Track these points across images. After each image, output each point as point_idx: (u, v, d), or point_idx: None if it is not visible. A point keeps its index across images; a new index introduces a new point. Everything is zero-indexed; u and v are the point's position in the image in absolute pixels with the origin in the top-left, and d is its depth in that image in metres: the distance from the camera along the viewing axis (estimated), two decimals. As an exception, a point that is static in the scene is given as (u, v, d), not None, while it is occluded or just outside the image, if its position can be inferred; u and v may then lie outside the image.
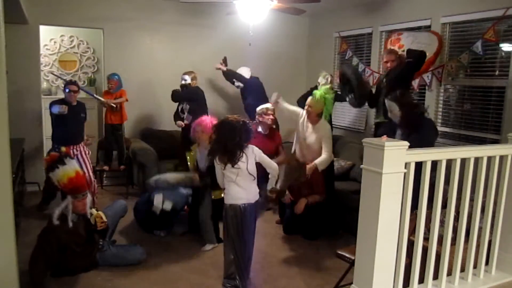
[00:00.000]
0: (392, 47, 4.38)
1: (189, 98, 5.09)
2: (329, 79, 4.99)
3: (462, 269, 2.69)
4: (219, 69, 5.53)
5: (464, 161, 2.51)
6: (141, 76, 5.77)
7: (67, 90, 4.34)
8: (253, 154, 2.98)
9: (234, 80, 5.57)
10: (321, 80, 5.02)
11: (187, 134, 4.84)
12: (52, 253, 2.98)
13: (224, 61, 5.55)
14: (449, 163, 2.45)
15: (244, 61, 5.78)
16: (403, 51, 4.16)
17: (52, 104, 4.36)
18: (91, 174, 4.46)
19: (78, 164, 4.32)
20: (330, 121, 4.49)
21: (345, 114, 5.96)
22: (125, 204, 3.79)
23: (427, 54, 3.92)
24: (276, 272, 3.34)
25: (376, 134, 3.95)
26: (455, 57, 4.28)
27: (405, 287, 2.44)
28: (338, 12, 6.01)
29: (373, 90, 4.44)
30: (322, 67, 5.48)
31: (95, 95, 5.33)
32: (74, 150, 4.36)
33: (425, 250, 2.46)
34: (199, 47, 6.00)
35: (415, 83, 4.56)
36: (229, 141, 2.87)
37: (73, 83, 4.51)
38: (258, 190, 3.07)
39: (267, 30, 5.63)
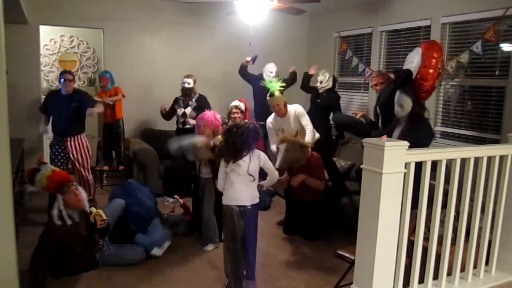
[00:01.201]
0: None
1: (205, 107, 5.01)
2: (327, 76, 5.00)
3: (462, 269, 2.69)
4: (248, 62, 5.43)
5: (464, 161, 2.51)
6: (141, 76, 5.77)
7: (62, 80, 4.28)
8: (258, 158, 3.01)
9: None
10: (320, 77, 5.04)
11: (182, 134, 4.83)
12: (53, 253, 2.98)
13: (253, 59, 5.41)
14: (449, 163, 2.45)
15: (246, 58, 5.77)
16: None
17: (42, 108, 4.41)
18: (87, 173, 4.43)
19: (74, 158, 4.33)
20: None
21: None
22: (124, 203, 3.77)
23: (414, 72, 3.82)
24: (276, 272, 3.34)
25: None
26: (455, 57, 4.28)
27: (405, 287, 2.44)
28: (338, 12, 6.01)
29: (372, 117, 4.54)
30: (322, 67, 5.48)
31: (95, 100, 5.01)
32: (73, 143, 4.33)
33: (425, 250, 2.46)
34: (199, 47, 6.00)
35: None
36: (237, 139, 2.91)
37: (68, 72, 4.42)
38: (257, 193, 3.06)
39: (267, 30, 5.63)
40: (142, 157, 5.10)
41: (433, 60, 3.52)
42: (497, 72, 3.99)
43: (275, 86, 4.18)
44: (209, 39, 6.02)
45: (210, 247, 3.73)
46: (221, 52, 6.08)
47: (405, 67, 3.62)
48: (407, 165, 2.24)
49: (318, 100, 5.00)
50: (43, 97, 5.50)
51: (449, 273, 2.63)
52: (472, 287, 2.70)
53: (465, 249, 2.65)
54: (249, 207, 2.97)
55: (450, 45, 4.41)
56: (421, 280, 2.49)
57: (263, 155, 3.06)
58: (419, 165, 2.34)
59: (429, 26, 4.54)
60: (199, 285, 3.11)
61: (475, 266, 2.75)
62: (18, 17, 4.46)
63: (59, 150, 4.34)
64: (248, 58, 5.36)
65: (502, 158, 2.71)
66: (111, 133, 5.30)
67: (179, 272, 3.29)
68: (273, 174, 3.17)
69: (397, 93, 3.37)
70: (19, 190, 4.21)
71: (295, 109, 4.22)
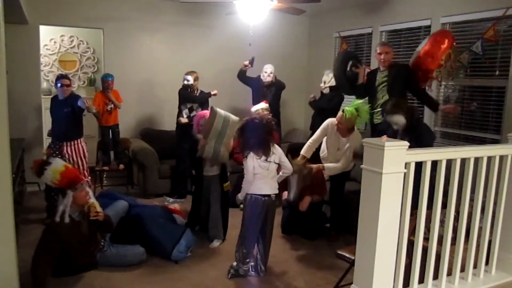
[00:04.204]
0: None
1: (203, 102, 5.08)
2: (330, 76, 4.98)
3: (462, 269, 2.69)
4: (247, 66, 5.32)
5: (464, 161, 2.51)
6: (141, 76, 5.77)
7: (59, 85, 4.20)
8: (277, 151, 3.22)
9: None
10: (324, 78, 5.01)
11: (183, 133, 4.85)
12: (54, 251, 2.98)
13: (251, 62, 5.30)
14: (449, 163, 2.45)
15: (244, 61, 5.77)
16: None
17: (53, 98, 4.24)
18: (83, 176, 4.39)
19: (71, 163, 4.31)
20: (355, 88, 4.33)
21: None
22: (127, 204, 3.77)
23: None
24: (276, 272, 3.33)
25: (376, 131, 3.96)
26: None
27: (405, 287, 2.44)
28: (338, 12, 6.01)
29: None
30: (322, 67, 5.47)
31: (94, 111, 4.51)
32: (69, 149, 4.29)
33: (425, 250, 2.47)
34: (199, 47, 6.01)
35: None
36: (266, 137, 3.12)
37: (65, 76, 4.34)
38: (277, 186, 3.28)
39: (267, 30, 5.63)
40: (142, 157, 5.10)
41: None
42: (497, 72, 3.99)
43: (352, 105, 3.77)
44: (209, 39, 6.03)
45: (216, 243, 3.78)
46: (221, 52, 6.08)
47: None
48: (407, 165, 2.25)
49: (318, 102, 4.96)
50: (43, 97, 5.53)
51: (449, 273, 2.63)
52: (472, 287, 2.70)
53: (465, 249, 2.65)
54: (273, 197, 3.23)
55: (450, 45, 4.41)
56: (421, 280, 2.49)
57: (279, 149, 3.27)
58: (419, 165, 2.34)
59: (429, 26, 4.54)
60: (200, 284, 3.11)
61: (475, 266, 2.75)
62: (18, 17, 4.46)
63: (56, 153, 4.33)
64: (246, 62, 5.28)
65: (502, 158, 2.71)
66: (112, 134, 5.30)
67: (180, 272, 3.29)
68: (288, 168, 3.33)
69: (388, 118, 3.47)
70: (19, 190, 4.21)
71: (353, 140, 3.87)
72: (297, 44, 6.67)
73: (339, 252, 3.62)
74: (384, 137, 2.41)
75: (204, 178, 3.87)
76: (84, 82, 6.77)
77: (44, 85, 6.43)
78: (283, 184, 3.82)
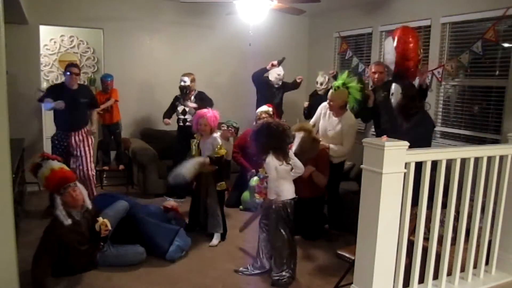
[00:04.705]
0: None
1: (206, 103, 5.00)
2: (326, 78, 4.99)
3: (462, 269, 2.70)
4: (274, 66, 5.25)
5: (464, 161, 2.51)
6: (141, 76, 5.77)
7: (68, 73, 4.20)
8: (290, 153, 3.23)
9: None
10: (319, 79, 5.03)
11: (184, 133, 4.84)
12: (54, 251, 2.99)
13: (279, 63, 5.25)
14: (449, 163, 2.45)
15: (244, 61, 5.78)
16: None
17: (44, 98, 4.20)
18: (90, 167, 4.40)
19: (77, 155, 4.31)
20: (361, 110, 4.14)
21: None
22: (127, 204, 3.76)
23: (391, 60, 3.91)
24: (276, 272, 3.33)
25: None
26: (455, 57, 4.28)
27: (405, 287, 2.44)
28: (338, 12, 6.01)
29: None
30: (322, 67, 5.48)
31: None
32: (77, 138, 4.31)
33: (425, 250, 2.47)
34: (199, 47, 6.01)
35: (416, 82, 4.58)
36: (281, 143, 3.12)
37: (75, 65, 4.34)
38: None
39: (267, 30, 5.63)
40: (142, 157, 5.10)
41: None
42: (497, 72, 3.99)
43: (340, 80, 3.80)
44: (209, 39, 6.03)
45: (215, 241, 3.79)
46: (221, 52, 6.08)
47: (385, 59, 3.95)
48: (407, 165, 2.25)
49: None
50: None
51: (449, 273, 2.63)
52: (472, 287, 2.70)
53: (465, 249, 2.65)
54: (296, 198, 3.25)
55: (450, 45, 4.41)
56: (421, 280, 2.50)
57: (291, 152, 3.28)
58: (419, 165, 2.34)
59: (429, 26, 4.54)
60: (200, 284, 3.11)
61: (475, 266, 2.75)
62: (18, 17, 4.46)
63: (63, 146, 4.32)
64: (275, 62, 5.22)
65: (502, 158, 2.71)
66: (111, 134, 5.31)
67: (180, 272, 3.29)
68: (300, 167, 3.29)
69: (394, 85, 3.57)
70: (19, 190, 4.21)
71: (346, 121, 3.87)
72: (297, 44, 6.67)
73: (339, 252, 3.60)
74: (384, 137, 2.40)
75: (201, 177, 3.87)
76: (84, 82, 6.75)
77: (44, 85, 6.41)
78: None
